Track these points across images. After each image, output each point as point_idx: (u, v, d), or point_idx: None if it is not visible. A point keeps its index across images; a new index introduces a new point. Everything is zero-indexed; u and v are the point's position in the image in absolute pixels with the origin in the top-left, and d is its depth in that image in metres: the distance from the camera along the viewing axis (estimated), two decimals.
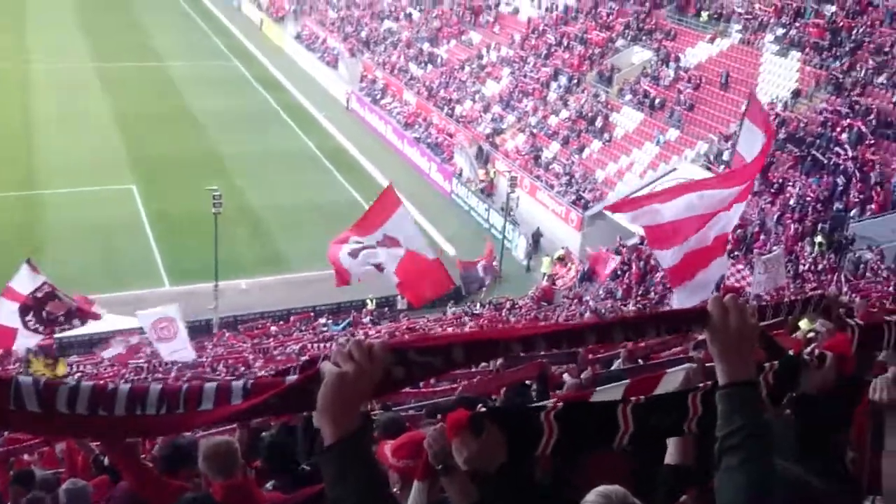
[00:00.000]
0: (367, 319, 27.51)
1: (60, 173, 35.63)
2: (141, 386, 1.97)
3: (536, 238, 32.75)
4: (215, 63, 56.76)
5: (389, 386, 1.96)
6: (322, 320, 27.45)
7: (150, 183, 35.67)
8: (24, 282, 13.94)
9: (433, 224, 34.21)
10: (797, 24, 33.82)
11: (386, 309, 28.95)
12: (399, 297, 28.56)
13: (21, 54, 52.87)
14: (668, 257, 8.53)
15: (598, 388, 4.45)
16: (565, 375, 7.76)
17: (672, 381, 3.30)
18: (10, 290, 14.02)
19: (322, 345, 22.50)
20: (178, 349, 19.04)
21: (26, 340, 14.35)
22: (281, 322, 27.89)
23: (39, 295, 13.90)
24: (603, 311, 22.74)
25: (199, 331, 27.14)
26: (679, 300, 8.97)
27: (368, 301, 28.47)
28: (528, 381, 7.90)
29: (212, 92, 49.35)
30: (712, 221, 8.16)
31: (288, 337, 25.63)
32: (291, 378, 2.02)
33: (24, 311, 13.85)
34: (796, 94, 31.06)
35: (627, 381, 3.84)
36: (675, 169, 31.09)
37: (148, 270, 29.11)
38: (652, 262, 26.50)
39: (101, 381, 2.02)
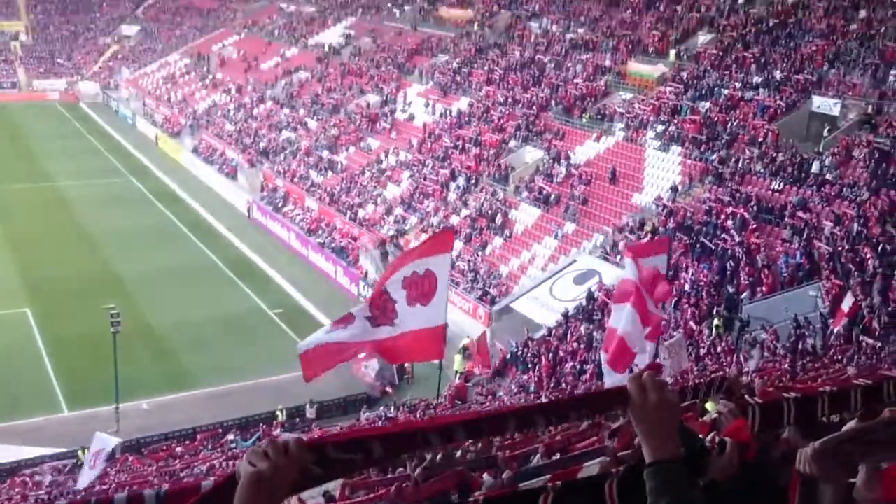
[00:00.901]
0: (277, 431, 26.78)
1: None
2: (48, 501, 1.94)
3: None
4: (111, 181, 55.93)
5: (308, 483, 1.90)
6: (230, 436, 26.57)
7: (45, 305, 34.38)
8: None
9: None
10: (675, 121, 35.97)
11: (297, 420, 28.31)
12: (308, 405, 28.09)
13: None
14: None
15: (520, 485, 4.55)
16: (485, 475, 7.80)
17: (589, 474, 3.43)
18: None
19: (231, 462, 21.75)
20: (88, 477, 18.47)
21: None
22: (187, 442, 26.82)
23: None
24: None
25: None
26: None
27: (279, 413, 27.82)
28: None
29: (108, 210, 48.48)
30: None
31: (195, 457, 24.61)
32: (208, 484, 1.99)
33: None
34: (678, 186, 32.77)
35: (547, 476, 3.96)
36: (574, 261, 32.05)
37: (45, 396, 27.73)
38: (560, 353, 26.95)
39: None
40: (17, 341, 31.40)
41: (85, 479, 18.59)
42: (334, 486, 10.17)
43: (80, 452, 24.34)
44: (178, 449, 25.96)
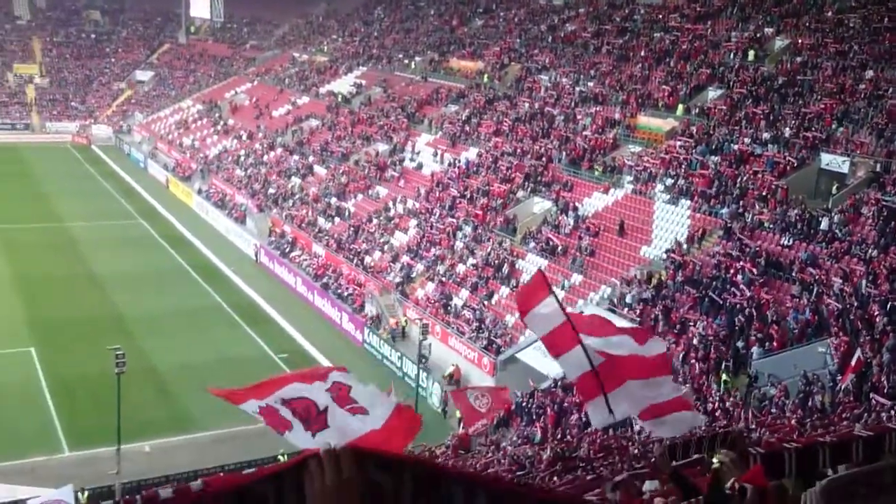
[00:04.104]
0: None
1: None
2: None
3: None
4: (121, 223, 56.27)
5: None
6: None
7: (49, 345, 34.31)
8: None
9: None
10: (684, 175, 36.13)
11: None
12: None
13: None
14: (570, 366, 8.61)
15: None
16: None
17: None
18: None
19: None
20: None
21: None
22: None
23: None
24: (522, 457, 22.58)
25: (100, 498, 25.60)
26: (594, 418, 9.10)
27: (280, 457, 27.53)
28: None
29: (117, 252, 48.65)
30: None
31: None
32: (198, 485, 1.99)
33: None
34: (691, 237, 32.79)
35: None
36: (581, 312, 31.90)
37: (46, 436, 27.52)
38: (566, 404, 26.73)
39: None
40: (20, 380, 31.29)
41: None
42: None
43: (80, 494, 24.05)
44: None
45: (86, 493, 24.76)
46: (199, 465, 27.11)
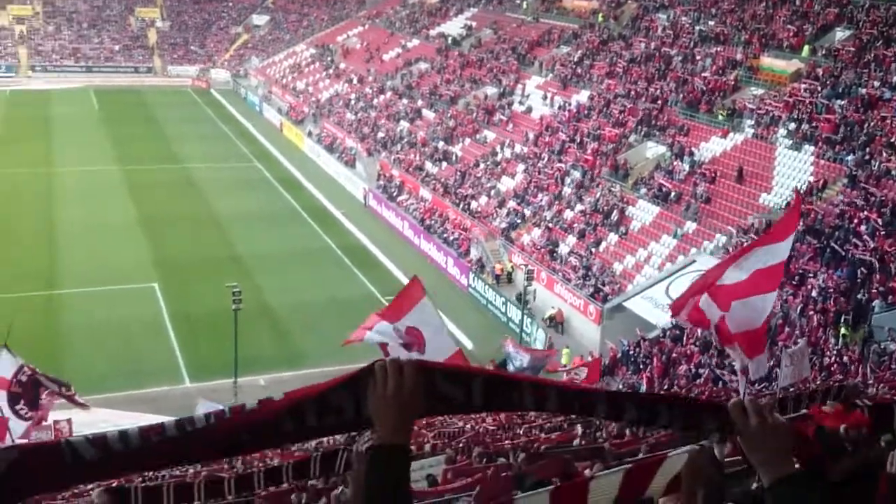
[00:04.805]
0: None
1: (84, 273, 36.05)
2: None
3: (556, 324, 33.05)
4: (236, 165, 58.03)
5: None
6: None
7: (171, 281, 35.99)
8: (5, 367, 13.28)
9: (450, 318, 34.13)
10: (809, 119, 34.38)
11: None
12: None
13: (47, 161, 54.49)
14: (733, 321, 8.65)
15: (597, 473, 4.40)
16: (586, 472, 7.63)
17: (674, 463, 3.28)
18: None
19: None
20: None
21: (17, 428, 13.22)
22: None
23: (24, 379, 13.32)
24: None
25: None
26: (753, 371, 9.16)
27: None
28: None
29: (233, 193, 50.29)
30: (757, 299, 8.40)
31: None
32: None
33: (12, 400, 13.14)
34: (812, 186, 31.30)
35: (629, 465, 3.83)
36: (693, 261, 31.12)
37: (168, 367, 29.09)
38: (674, 355, 26.26)
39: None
40: (145, 313, 33.02)
41: None
42: (437, 471, 10.22)
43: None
44: None
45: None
46: None
